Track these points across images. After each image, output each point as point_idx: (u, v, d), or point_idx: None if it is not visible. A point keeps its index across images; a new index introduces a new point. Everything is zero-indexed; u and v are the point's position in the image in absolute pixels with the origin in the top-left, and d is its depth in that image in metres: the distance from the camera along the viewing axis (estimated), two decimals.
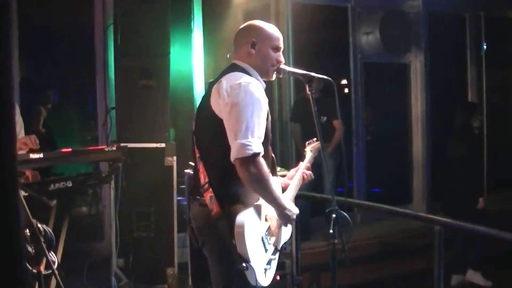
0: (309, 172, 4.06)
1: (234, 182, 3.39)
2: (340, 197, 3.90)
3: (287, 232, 3.81)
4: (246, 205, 3.41)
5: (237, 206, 3.37)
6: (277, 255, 3.65)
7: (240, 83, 3.40)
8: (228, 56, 6.92)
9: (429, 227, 4.84)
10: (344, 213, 3.56)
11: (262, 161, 3.30)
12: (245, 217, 3.33)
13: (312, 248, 7.35)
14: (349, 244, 3.63)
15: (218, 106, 3.42)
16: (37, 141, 4.83)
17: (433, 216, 5.00)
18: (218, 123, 3.40)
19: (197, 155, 3.58)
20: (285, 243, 3.90)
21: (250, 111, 3.32)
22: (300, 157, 7.86)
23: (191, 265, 6.31)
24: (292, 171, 4.16)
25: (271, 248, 3.56)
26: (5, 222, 1.29)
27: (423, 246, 5.54)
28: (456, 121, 7.76)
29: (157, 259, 6.41)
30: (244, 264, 3.27)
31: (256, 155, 3.26)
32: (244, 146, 3.24)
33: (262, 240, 3.47)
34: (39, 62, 8.15)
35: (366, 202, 8.01)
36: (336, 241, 3.53)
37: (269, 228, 3.58)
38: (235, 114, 3.33)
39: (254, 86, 3.42)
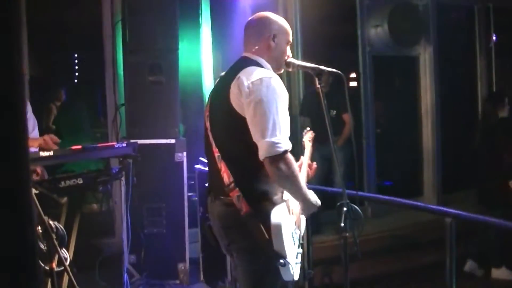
0: (314, 166, 4.04)
1: (261, 180, 3.37)
2: (350, 190, 3.89)
3: (304, 224, 3.83)
4: (274, 202, 3.38)
5: (266, 204, 3.35)
6: (300, 248, 3.65)
7: (262, 78, 3.35)
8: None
9: (440, 219, 4.82)
10: (355, 206, 3.55)
11: (291, 157, 3.27)
12: (280, 214, 3.32)
13: (323, 242, 7.35)
14: (361, 238, 3.61)
15: (240, 104, 3.35)
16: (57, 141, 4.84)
17: (444, 208, 4.98)
18: (241, 121, 3.33)
19: (217, 154, 3.49)
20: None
21: (275, 107, 3.27)
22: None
23: (202, 260, 6.33)
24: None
25: (297, 242, 3.55)
26: (18, 220, 1.29)
27: (434, 239, 5.52)
28: (484, 111, 7.66)
29: (168, 254, 6.43)
30: (282, 261, 3.26)
31: (285, 152, 3.23)
32: (273, 144, 3.21)
33: (292, 235, 3.45)
34: (48, 59, 8.18)
35: (377, 195, 7.98)
36: (347, 234, 3.52)
37: (295, 222, 3.58)
38: (260, 111, 3.27)
39: (276, 81, 3.38)
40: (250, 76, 3.37)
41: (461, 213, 4.60)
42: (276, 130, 3.22)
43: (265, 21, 3.70)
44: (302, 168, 3.99)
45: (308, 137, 4.32)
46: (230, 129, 3.44)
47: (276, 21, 3.69)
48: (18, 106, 1.26)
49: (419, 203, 6.19)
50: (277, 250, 3.27)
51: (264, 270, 3.43)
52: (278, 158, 3.22)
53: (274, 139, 3.21)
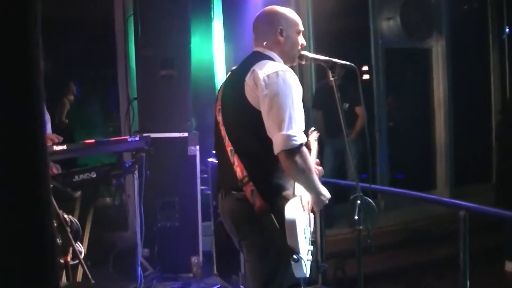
0: (320, 168, 4.01)
1: (276, 175, 3.36)
2: (364, 183, 3.89)
3: (311, 219, 3.82)
4: (287, 197, 3.37)
5: (280, 199, 3.34)
6: (311, 245, 3.61)
7: (277, 72, 3.35)
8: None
9: (453, 212, 4.81)
10: (369, 199, 3.55)
11: (306, 151, 3.28)
12: (294, 210, 3.30)
13: (336, 235, 7.36)
14: (374, 231, 3.61)
15: (255, 97, 3.34)
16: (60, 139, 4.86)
17: (458, 201, 4.96)
18: (256, 114, 3.33)
19: (229, 148, 3.46)
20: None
21: (290, 101, 3.28)
22: (322, 145, 7.89)
23: (216, 254, 6.34)
24: None
25: (308, 239, 3.54)
26: (37, 214, 1.30)
27: (448, 232, 5.50)
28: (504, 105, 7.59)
29: (181, 248, 6.44)
30: (295, 256, 3.25)
31: (301, 145, 3.23)
32: (289, 137, 3.20)
33: (304, 231, 3.43)
34: (60, 54, 8.19)
35: (390, 188, 7.98)
36: (361, 227, 3.52)
37: (307, 218, 3.58)
38: (277, 105, 3.27)
39: (291, 74, 3.38)
40: (265, 69, 3.38)
41: (475, 206, 4.59)
42: (292, 124, 3.22)
43: (272, 16, 3.69)
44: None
45: (313, 136, 4.30)
46: (244, 123, 3.42)
47: (283, 14, 3.67)
48: (35, 100, 1.27)
49: (432, 196, 6.18)
50: (291, 246, 3.25)
51: (275, 266, 3.43)
52: (294, 151, 3.21)
53: (290, 132, 3.20)
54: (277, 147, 3.23)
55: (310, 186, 3.40)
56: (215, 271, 6.37)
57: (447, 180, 9.84)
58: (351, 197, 3.57)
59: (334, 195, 3.91)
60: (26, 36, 1.26)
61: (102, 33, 8.12)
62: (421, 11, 9.17)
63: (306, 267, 3.34)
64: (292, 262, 3.27)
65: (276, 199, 3.34)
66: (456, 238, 4.60)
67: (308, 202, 3.63)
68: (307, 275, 3.39)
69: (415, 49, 9.84)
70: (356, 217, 3.48)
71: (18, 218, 1.27)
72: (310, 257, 3.50)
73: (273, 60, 3.54)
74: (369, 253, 3.59)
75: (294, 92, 3.32)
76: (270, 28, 3.63)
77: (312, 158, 3.99)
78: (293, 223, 3.25)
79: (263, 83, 3.31)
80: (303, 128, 3.31)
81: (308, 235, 3.56)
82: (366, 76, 9.34)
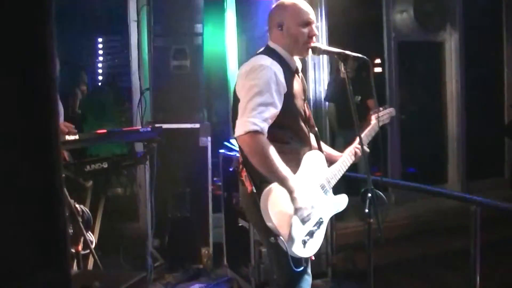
0: (359, 147, 4.02)
1: None
2: (375, 176, 3.90)
3: (335, 202, 3.88)
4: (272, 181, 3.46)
5: (267, 185, 3.44)
6: (322, 227, 3.69)
7: (253, 65, 3.53)
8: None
9: (465, 206, 4.80)
10: (380, 192, 3.55)
11: (259, 138, 3.37)
12: (269, 192, 3.41)
13: (346, 228, 7.35)
14: (384, 224, 3.61)
15: (238, 90, 3.58)
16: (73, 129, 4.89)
17: (469, 196, 4.95)
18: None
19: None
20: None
21: (255, 91, 3.43)
22: (335, 137, 7.89)
23: (226, 245, 6.35)
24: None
25: (311, 220, 3.58)
26: (50, 203, 1.31)
27: (459, 226, 5.49)
28: None
29: (192, 239, 6.46)
30: (272, 238, 3.39)
31: (251, 132, 3.35)
32: (241, 124, 3.39)
33: (297, 213, 3.49)
34: (73, 44, 8.21)
35: (401, 181, 7.96)
36: (371, 220, 3.53)
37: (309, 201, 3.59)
38: (243, 94, 3.49)
39: (269, 70, 3.49)
40: (247, 65, 3.58)
41: (486, 201, 4.59)
42: (252, 111, 3.39)
43: (274, 10, 3.81)
44: (350, 147, 4.03)
45: (377, 115, 4.20)
46: (235, 114, 3.56)
47: (285, 6, 3.73)
48: (50, 90, 1.27)
49: (443, 190, 6.17)
50: (269, 226, 3.38)
51: (273, 245, 3.50)
52: (246, 137, 3.37)
53: (244, 119, 3.38)
54: (235, 132, 3.43)
55: (268, 174, 3.44)
56: (225, 263, 6.38)
57: (459, 174, 9.80)
58: (362, 190, 3.57)
59: (345, 188, 3.92)
60: (40, 26, 1.26)
61: (116, 23, 8.13)
62: (435, 4, 9.13)
63: (298, 248, 3.46)
64: (283, 241, 3.38)
65: (263, 183, 3.46)
66: (467, 231, 4.60)
67: (323, 184, 3.76)
68: (297, 256, 3.48)
69: (428, 42, 9.78)
70: (366, 210, 3.48)
71: (31, 206, 1.28)
72: (309, 238, 3.57)
73: (277, 54, 3.66)
74: (379, 246, 3.59)
75: (263, 84, 3.44)
76: (272, 21, 3.76)
77: (355, 142, 4.02)
78: (264, 205, 3.39)
79: (240, 77, 3.59)
80: (267, 118, 3.42)
81: (311, 218, 3.58)
82: (378, 69, 9.31)
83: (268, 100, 3.43)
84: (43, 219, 1.29)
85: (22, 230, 1.27)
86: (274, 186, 3.41)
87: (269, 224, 3.37)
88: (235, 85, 3.66)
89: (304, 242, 3.51)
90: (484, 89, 10.15)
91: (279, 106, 3.48)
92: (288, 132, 3.63)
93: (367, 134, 4.13)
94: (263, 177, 3.46)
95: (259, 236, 3.91)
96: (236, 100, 3.58)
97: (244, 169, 3.57)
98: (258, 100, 3.40)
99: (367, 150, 4.07)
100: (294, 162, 3.57)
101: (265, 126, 3.39)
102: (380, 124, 4.21)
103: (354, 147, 4.04)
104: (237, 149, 3.77)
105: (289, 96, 3.58)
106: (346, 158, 3.99)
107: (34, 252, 1.30)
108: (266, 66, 3.49)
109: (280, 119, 3.51)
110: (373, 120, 4.22)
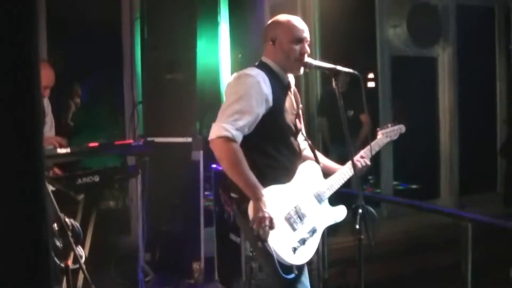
0: (362, 160, 4.05)
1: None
2: (367, 192, 3.90)
3: (330, 212, 3.89)
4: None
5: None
6: (316, 235, 3.70)
7: (239, 74, 3.62)
8: (239, 56, 6.98)
9: (457, 221, 4.80)
10: (370, 208, 3.55)
11: (230, 144, 3.41)
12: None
13: (339, 243, 7.32)
14: (376, 239, 3.61)
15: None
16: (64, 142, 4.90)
17: (461, 213, 4.96)
18: None
19: None
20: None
21: (234, 98, 3.49)
22: (327, 152, 7.88)
23: (217, 260, 6.33)
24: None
25: (303, 228, 3.61)
26: (32, 216, 1.30)
27: (451, 241, 5.50)
28: None
29: (183, 253, 6.44)
30: (259, 243, 3.40)
31: (221, 137, 3.40)
32: (214, 128, 3.45)
33: (288, 220, 3.54)
34: (66, 56, 8.20)
35: (393, 197, 7.96)
36: (362, 236, 3.53)
37: (296, 207, 3.63)
38: (225, 100, 3.59)
39: (252, 79, 3.54)
40: (235, 74, 3.67)
41: (478, 217, 4.59)
42: (227, 117, 3.44)
43: (268, 26, 3.87)
44: (357, 156, 4.05)
45: (384, 131, 4.27)
46: None
47: (278, 23, 3.78)
48: (32, 103, 1.27)
49: (435, 206, 6.17)
50: (257, 234, 3.39)
51: (263, 252, 3.50)
52: (216, 142, 3.43)
53: (221, 123, 3.44)
54: (209, 135, 3.49)
55: (237, 180, 3.48)
56: (217, 277, 6.36)
57: (451, 189, 9.81)
58: (353, 206, 3.57)
59: (337, 203, 3.92)
60: (25, 40, 1.26)
61: (109, 35, 8.12)
62: (428, 19, 9.15)
63: (287, 255, 3.46)
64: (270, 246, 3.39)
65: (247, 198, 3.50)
66: (460, 246, 4.60)
67: (318, 193, 3.79)
68: (287, 263, 3.47)
69: (422, 57, 9.81)
70: (357, 226, 3.48)
71: (12, 218, 1.27)
72: (300, 245, 3.57)
73: (270, 68, 3.70)
74: (372, 261, 3.58)
75: (243, 91, 3.49)
76: (266, 36, 3.81)
77: (366, 148, 4.08)
78: (250, 211, 3.43)
79: (226, 86, 3.69)
80: (241, 126, 3.45)
81: (301, 224, 3.62)
82: (371, 84, 9.32)
83: (245, 108, 3.45)
84: (24, 234, 1.28)
85: (3, 243, 1.26)
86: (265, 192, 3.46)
87: (255, 232, 3.38)
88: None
89: (295, 249, 3.52)
90: (477, 104, 10.16)
91: (258, 115, 3.51)
92: (277, 147, 3.64)
93: (370, 148, 4.12)
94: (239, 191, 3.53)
95: (251, 247, 3.93)
96: None
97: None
98: (235, 107, 3.45)
99: (369, 163, 4.08)
100: (284, 178, 3.61)
101: (238, 134, 3.43)
102: (388, 140, 4.26)
103: (356, 159, 4.04)
104: None
105: (278, 111, 3.60)
106: (345, 170, 4.00)
107: (16, 268, 1.28)
108: (250, 75, 3.54)
109: (268, 133, 3.56)
110: (379, 135, 4.25)
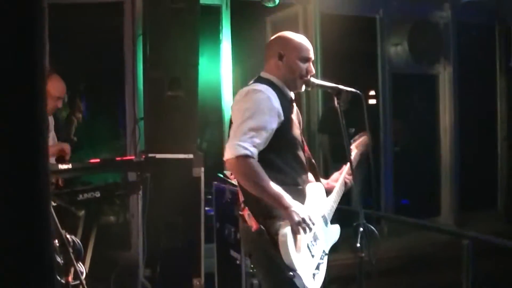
0: (350, 177, 4.06)
1: None
2: (367, 209, 3.90)
3: (332, 233, 3.86)
4: (281, 216, 3.42)
5: (274, 220, 3.42)
6: (325, 258, 3.69)
7: (247, 90, 3.54)
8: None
9: (457, 239, 4.81)
10: (371, 226, 3.55)
11: (249, 161, 3.32)
12: (287, 229, 3.36)
13: (338, 260, 7.31)
14: (376, 257, 3.61)
15: (232, 116, 3.55)
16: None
17: (461, 231, 4.97)
18: None
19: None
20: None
21: (246, 115, 3.40)
22: (328, 168, 7.88)
23: (217, 276, 6.32)
24: (336, 174, 4.16)
25: (318, 253, 3.59)
26: (36, 234, 1.31)
27: (451, 259, 5.49)
28: None
29: (184, 269, 6.42)
30: (291, 273, 3.32)
31: (241, 156, 3.31)
32: (230, 148, 3.34)
33: (308, 247, 3.50)
34: (68, 72, 8.24)
35: (394, 215, 7.96)
36: (363, 254, 3.53)
37: (314, 233, 3.59)
38: (234, 118, 3.49)
39: (261, 94, 3.48)
40: (242, 91, 3.57)
41: (478, 236, 4.59)
42: (243, 135, 3.35)
43: (275, 40, 3.83)
44: (341, 176, 4.01)
45: (357, 142, 4.30)
46: None
47: (287, 39, 3.76)
48: (38, 121, 1.28)
49: (436, 225, 6.17)
50: (287, 263, 3.33)
51: (280, 281, 3.46)
52: (233, 161, 3.33)
53: (234, 142, 3.34)
54: (225, 155, 3.38)
55: (263, 196, 3.41)
56: None
57: (451, 206, 9.81)
58: (354, 224, 3.57)
59: (338, 220, 3.93)
60: (31, 59, 1.27)
61: (111, 52, 8.16)
62: (429, 37, 9.19)
63: (307, 282, 3.39)
64: (300, 277, 3.33)
65: (269, 220, 3.43)
66: (460, 264, 4.60)
67: (324, 215, 3.77)
68: None
69: (422, 75, 9.84)
70: (358, 245, 3.49)
71: (16, 235, 1.27)
72: (322, 270, 3.59)
73: (272, 83, 3.64)
74: (371, 278, 3.59)
75: (255, 108, 3.43)
76: (272, 52, 3.75)
77: (343, 171, 4.06)
78: (284, 243, 3.32)
79: (234, 102, 3.57)
80: (258, 143, 3.37)
81: (319, 249, 3.60)
82: (372, 101, 9.35)
83: (260, 124, 3.39)
84: (29, 249, 1.29)
85: (4, 259, 1.27)
86: (285, 224, 3.38)
87: (287, 260, 3.32)
88: (231, 112, 3.64)
89: (314, 275, 3.50)
90: (477, 122, 10.19)
91: (271, 130, 3.45)
92: (287, 160, 3.60)
93: (351, 164, 4.12)
94: (267, 213, 3.44)
95: (260, 274, 3.77)
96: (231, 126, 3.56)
97: (247, 207, 3.53)
98: (249, 124, 3.37)
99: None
100: (295, 195, 3.51)
101: (255, 151, 3.35)
102: (358, 152, 4.25)
103: (344, 178, 4.05)
104: (233, 182, 3.77)
105: (287, 124, 3.58)
106: (340, 189, 4.00)
107: (17, 284, 1.29)
108: (260, 90, 3.49)
109: (278, 146, 3.50)
110: (354, 149, 4.26)
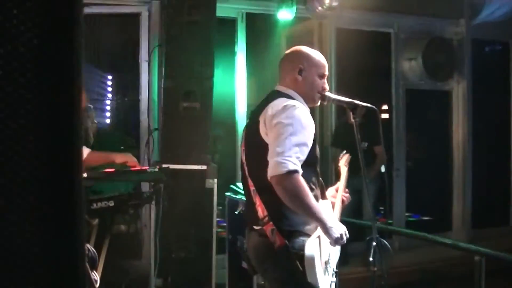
0: (347, 195, 4.07)
1: (294, 212, 3.41)
2: (379, 224, 3.92)
3: (337, 252, 3.83)
4: (307, 233, 3.42)
5: (300, 236, 3.41)
6: (334, 277, 3.68)
7: (285, 105, 3.45)
8: None
9: (469, 255, 4.80)
10: (384, 241, 3.57)
11: (298, 178, 3.28)
12: (313, 246, 3.35)
13: (350, 273, 7.32)
14: (389, 271, 3.62)
15: (267, 136, 3.45)
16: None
17: (474, 246, 4.96)
18: None
19: (252, 188, 3.57)
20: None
21: (290, 131, 3.34)
22: None
23: (229, 287, 6.34)
24: (331, 189, 4.16)
25: (331, 271, 3.58)
26: (72, 249, 1.32)
27: (463, 274, 5.49)
28: None
29: (195, 280, 6.43)
30: None
31: (290, 172, 3.25)
32: (279, 163, 3.25)
33: (326, 265, 3.49)
34: (84, 82, 8.30)
35: (406, 230, 7.94)
36: (375, 268, 3.54)
37: (330, 252, 3.60)
38: (275, 133, 3.38)
39: (299, 109, 3.45)
40: (275, 106, 3.48)
41: (491, 252, 4.59)
42: (285, 151, 3.28)
43: (294, 55, 3.82)
44: (338, 193, 4.02)
45: (344, 161, 4.34)
46: (262, 162, 3.42)
47: (306, 54, 3.77)
48: (75, 133, 1.30)
49: (448, 240, 6.16)
50: (311, 282, 3.30)
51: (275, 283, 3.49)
52: (282, 177, 3.26)
53: (280, 159, 3.26)
54: (268, 173, 3.30)
55: (307, 214, 3.39)
56: None
57: (463, 222, 9.79)
58: (367, 238, 3.59)
59: (350, 234, 3.93)
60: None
61: (127, 63, 8.21)
62: (443, 53, 9.20)
63: None
64: None
65: (295, 237, 3.40)
66: (472, 280, 4.60)
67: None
68: None
69: (436, 90, 9.85)
70: (371, 259, 3.50)
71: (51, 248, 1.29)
72: None
73: (292, 97, 3.62)
74: None
75: (297, 123, 3.38)
76: (291, 66, 3.74)
77: (341, 184, 4.04)
78: (312, 260, 3.30)
79: (271, 117, 3.44)
80: (302, 159, 3.33)
81: (331, 268, 3.60)
82: (385, 115, 9.36)
83: (303, 141, 3.37)
84: (66, 266, 1.31)
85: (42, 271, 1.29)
86: (314, 240, 3.38)
87: (312, 279, 3.30)
88: (255, 128, 3.55)
89: None
90: (490, 138, 10.18)
91: (310, 146, 3.44)
92: (313, 177, 3.58)
93: (345, 183, 4.14)
94: (294, 230, 3.42)
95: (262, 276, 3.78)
96: (259, 144, 3.48)
97: (271, 222, 3.44)
98: (293, 140, 3.32)
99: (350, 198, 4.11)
100: None
101: (298, 166, 3.30)
102: (345, 168, 4.27)
103: (342, 196, 4.06)
104: (243, 195, 3.75)
105: (314, 140, 3.57)
106: (340, 207, 4.02)
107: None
108: (297, 106, 3.46)
109: (307, 162, 3.45)
110: (343, 167, 4.27)
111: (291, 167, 3.24)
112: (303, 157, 3.35)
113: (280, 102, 3.50)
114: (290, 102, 3.49)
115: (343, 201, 4.03)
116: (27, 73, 1.18)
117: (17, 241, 1.19)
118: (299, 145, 3.34)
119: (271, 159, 3.31)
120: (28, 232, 1.20)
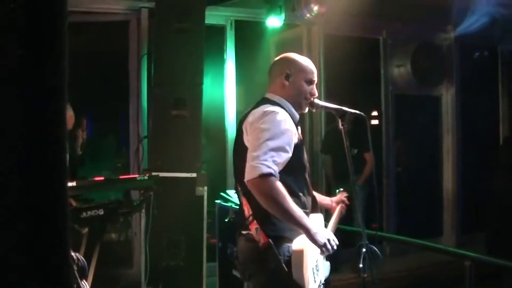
0: (344, 206, 4.10)
1: (278, 219, 3.41)
2: (370, 230, 3.92)
3: (326, 268, 3.80)
4: (292, 229, 3.41)
5: (284, 233, 3.41)
6: None
7: (265, 111, 3.47)
8: None
9: (459, 260, 4.81)
10: (374, 247, 3.57)
11: (273, 181, 3.27)
12: (302, 242, 3.36)
13: (340, 280, 7.32)
14: (378, 276, 3.62)
15: (248, 142, 3.47)
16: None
17: (464, 252, 4.97)
18: None
19: (239, 189, 3.60)
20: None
21: (266, 136, 3.36)
22: (330, 189, 7.89)
23: None
24: (327, 199, 4.20)
25: (318, 280, 3.54)
26: (54, 252, 1.32)
27: (453, 279, 5.50)
28: (502, 155, 7.63)
29: (185, 287, 6.42)
30: None
31: (264, 175, 3.25)
32: (253, 167, 3.27)
33: (313, 270, 3.46)
34: (73, 89, 8.27)
35: (396, 236, 7.96)
36: (365, 275, 3.54)
37: (317, 261, 3.57)
38: (253, 138, 3.41)
39: (279, 114, 3.46)
40: (256, 112, 3.52)
41: (481, 257, 4.60)
42: (262, 156, 3.29)
43: (282, 61, 3.83)
44: (329, 226, 3.99)
45: (337, 198, 4.31)
46: (244, 166, 3.42)
47: (293, 60, 3.77)
48: (59, 144, 1.30)
49: (438, 245, 6.17)
50: (296, 280, 3.29)
51: None
52: (257, 181, 3.27)
53: (255, 163, 3.28)
54: (246, 176, 3.31)
55: (286, 218, 3.37)
56: None
57: (453, 227, 9.81)
58: (357, 245, 3.59)
59: (339, 240, 3.92)
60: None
61: (116, 70, 8.21)
62: (432, 58, 9.23)
63: None
64: None
65: (280, 234, 3.41)
66: (462, 285, 4.61)
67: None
68: None
69: (425, 96, 9.88)
70: (361, 265, 3.50)
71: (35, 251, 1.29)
72: None
73: (279, 104, 3.63)
74: None
75: (275, 128, 3.40)
76: (278, 71, 3.75)
77: (331, 223, 4.01)
78: (300, 254, 3.32)
79: (250, 123, 3.48)
80: (279, 163, 3.33)
81: (319, 278, 3.56)
82: (375, 121, 9.38)
83: (280, 145, 3.36)
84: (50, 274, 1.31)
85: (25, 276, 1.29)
86: (302, 237, 3.38)
87: (297, 276, 3.30)
88: (240, 135, 3.59)
89: None
90: (479, 143, 10.20)
91: (290, 152, 3.43)
92: (298, 183, 3.58)
93: (336, 221, 4.13)
94: (277, 227, 3.42)
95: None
96: (242, 149, 3.49)
97: (255, 221, 3.45)
98: (270, 144, 3.33)
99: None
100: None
101: (277, 170, 3.30)
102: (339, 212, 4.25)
103: (341, 207, 4.07)
104: (237, 200, 3.74)
105: (300, 147, 3.57)
106: (337, 219, 4.02)
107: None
108: (277, 112, 3.47)
109: (293, 170, 3.48)
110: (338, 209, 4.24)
111: (265, 170, 3.25)
112: (281, 160, 3.35)
113: (261, 109, 3.52)
114: (270, 108, 3.51)
115: (341, 212, 4.10)
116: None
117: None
118: (276, 149, 3.34)
119: (248, 163, 3.33)
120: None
